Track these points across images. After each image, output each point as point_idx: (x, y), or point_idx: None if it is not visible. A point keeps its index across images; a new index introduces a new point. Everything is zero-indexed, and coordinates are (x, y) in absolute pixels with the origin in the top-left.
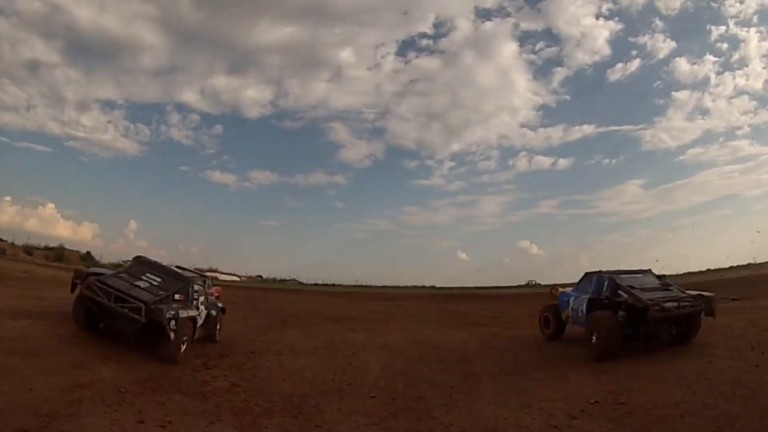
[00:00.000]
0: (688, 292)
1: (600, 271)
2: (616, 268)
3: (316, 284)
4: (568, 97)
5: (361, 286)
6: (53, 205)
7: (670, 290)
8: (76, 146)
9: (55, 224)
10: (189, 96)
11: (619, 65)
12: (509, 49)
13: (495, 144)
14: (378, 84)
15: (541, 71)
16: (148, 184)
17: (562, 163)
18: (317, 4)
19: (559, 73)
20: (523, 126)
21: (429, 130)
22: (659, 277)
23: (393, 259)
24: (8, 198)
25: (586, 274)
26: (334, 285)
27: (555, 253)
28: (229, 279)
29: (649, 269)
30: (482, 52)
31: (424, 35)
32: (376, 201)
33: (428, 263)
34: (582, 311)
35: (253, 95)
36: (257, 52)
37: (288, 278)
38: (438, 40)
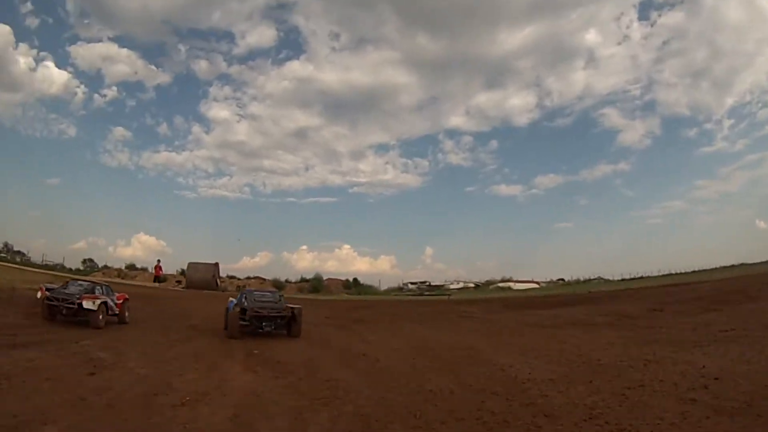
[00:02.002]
0: (288, 305)
1: (246, 288)
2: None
3: (623, 279)
4: None
5: (669, 275)
6: (348, 246)
7: (275, 304)
8: (359, 191)
9: (353, 261)
10: (456, 120)
11: None
12: None
13: (767, 86)
14: (633, 56)
15: None
16: (437, 210)
17: None
18: None
19: None
20: None
21: (698, 91)
22: (280, 296)
23: (692, 241)
24: (304, 246)
25: (241, 290)
26: (642, 278)
27: None
28: (525, 287)
29: (276, 290)
30: None
31: None
32: (665, 180)
33: (728, 238)
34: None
35: (517, 103)
36: (507, 61)
37: (592, 277)
38: None
